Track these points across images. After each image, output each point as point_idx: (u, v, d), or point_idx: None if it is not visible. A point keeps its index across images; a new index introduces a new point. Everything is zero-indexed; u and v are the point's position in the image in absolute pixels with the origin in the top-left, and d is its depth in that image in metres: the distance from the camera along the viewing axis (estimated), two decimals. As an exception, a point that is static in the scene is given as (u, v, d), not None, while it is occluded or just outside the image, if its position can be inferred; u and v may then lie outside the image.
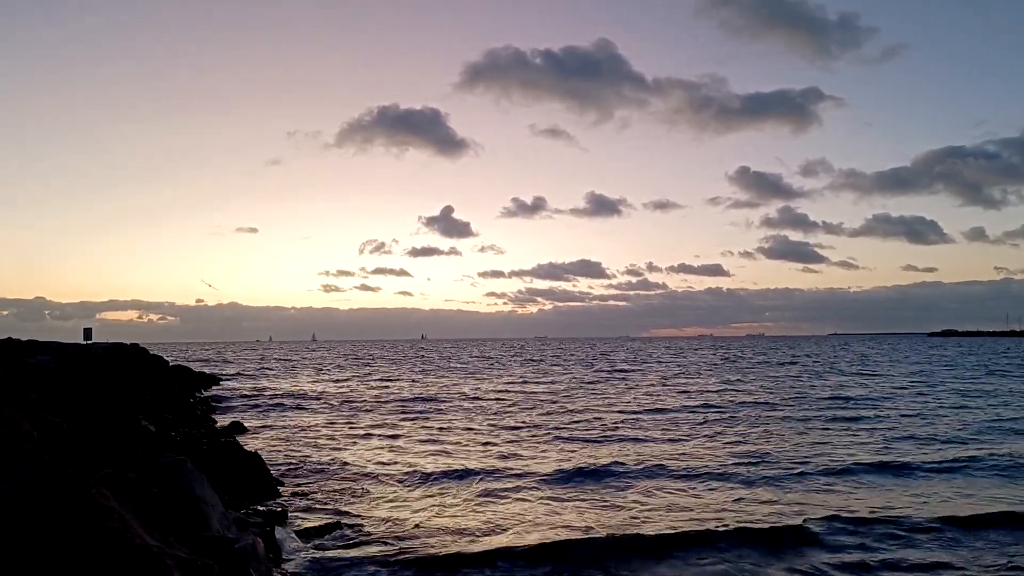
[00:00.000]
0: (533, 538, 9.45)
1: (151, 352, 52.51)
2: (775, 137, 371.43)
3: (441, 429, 20.63)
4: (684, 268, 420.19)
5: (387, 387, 37.52)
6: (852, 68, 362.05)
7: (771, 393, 30.89)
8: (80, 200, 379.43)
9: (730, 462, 14.66)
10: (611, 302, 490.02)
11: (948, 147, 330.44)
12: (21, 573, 4.02)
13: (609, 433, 19.19)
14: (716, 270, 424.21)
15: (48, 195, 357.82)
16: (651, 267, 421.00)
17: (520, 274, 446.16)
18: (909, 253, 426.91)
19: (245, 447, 13.71)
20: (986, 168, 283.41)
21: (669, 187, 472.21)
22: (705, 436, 18.57)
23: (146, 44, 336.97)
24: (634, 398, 29.47)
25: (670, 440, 17.93)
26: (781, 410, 24.37)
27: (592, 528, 9.97)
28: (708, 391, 32.47)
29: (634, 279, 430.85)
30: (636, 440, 17.92)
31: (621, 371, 51.05)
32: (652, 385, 36.95)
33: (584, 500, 11.73)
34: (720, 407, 25.41)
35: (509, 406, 26.87)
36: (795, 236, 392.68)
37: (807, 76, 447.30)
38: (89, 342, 48.33)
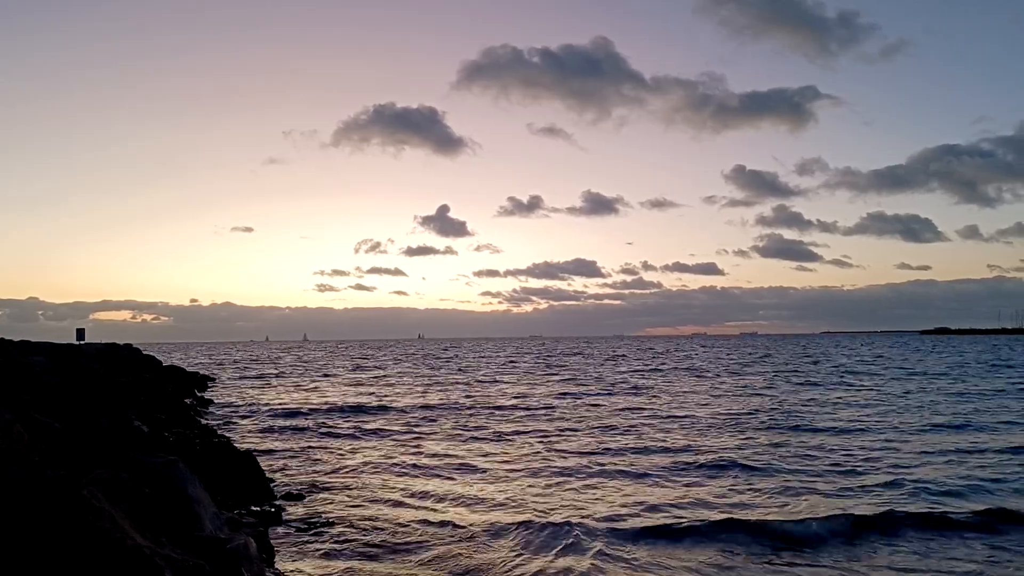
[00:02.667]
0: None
1: (145, 352, 52.41)
2: (772, 135, 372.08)
3: (453, 438, 18.88)
4: (679, 267, 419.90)
5: (392, 389, 36.94)
6: (851, 66, 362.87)
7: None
8: (73, 200, 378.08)
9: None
10: (606, 301, 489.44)
11: (944, 145, 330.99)
12: (12, 574, 4.03)
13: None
14: (711, 269, 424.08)
15: (41, 195, 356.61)
16: (646, 266, 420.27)
17: (515, 273, 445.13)
18: (903, 251, 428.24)
19: (238, 447, 13.69)
20: (981, 166, 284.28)
21: (666, 186, 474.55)
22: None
23: (142, 44, 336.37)
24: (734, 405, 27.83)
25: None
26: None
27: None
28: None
29: (629, 278, 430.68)
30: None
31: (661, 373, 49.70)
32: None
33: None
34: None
35: (526, 414, 24.81)
36: (790, 235, 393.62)
37: (806, 74, 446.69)
38: (82, 342, 48.19)
